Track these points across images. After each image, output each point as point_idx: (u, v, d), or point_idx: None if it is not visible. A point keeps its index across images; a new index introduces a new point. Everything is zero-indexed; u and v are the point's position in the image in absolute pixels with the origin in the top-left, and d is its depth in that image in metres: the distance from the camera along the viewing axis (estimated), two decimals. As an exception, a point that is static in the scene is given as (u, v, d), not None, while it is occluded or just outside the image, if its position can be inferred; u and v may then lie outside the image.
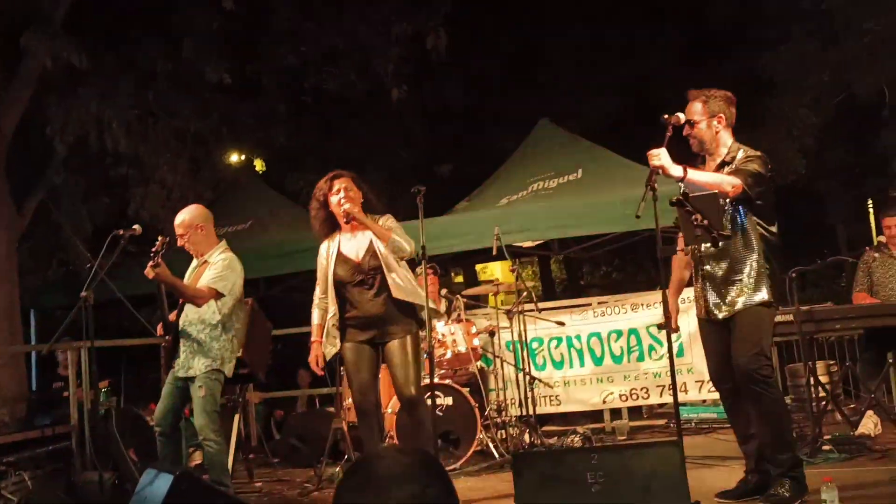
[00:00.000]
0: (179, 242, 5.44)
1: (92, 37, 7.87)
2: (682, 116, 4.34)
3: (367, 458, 4.00)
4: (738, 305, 4.36)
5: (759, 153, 4.39)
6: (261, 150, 15.95)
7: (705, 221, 4.04)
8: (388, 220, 5.14)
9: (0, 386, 7.75)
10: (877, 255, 6.59)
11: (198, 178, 9.55)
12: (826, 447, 5.56)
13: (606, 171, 8.55)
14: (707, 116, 4.45)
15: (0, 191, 7.91)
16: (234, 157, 15.12)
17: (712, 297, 4.47)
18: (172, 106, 8.70)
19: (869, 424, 6.09)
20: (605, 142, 9.54)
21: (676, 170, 4.16)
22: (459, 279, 21.50)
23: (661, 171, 4.16)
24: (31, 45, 7.19)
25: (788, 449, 4.34)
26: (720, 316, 4.43)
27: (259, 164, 17.11)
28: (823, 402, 6.36)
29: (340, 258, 5.13)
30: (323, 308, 5.20)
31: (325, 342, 5.14)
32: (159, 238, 5.20)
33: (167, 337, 5.34)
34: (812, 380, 6.22)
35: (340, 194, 5.05)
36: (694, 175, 4.22)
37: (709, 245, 4.36)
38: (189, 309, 5.34)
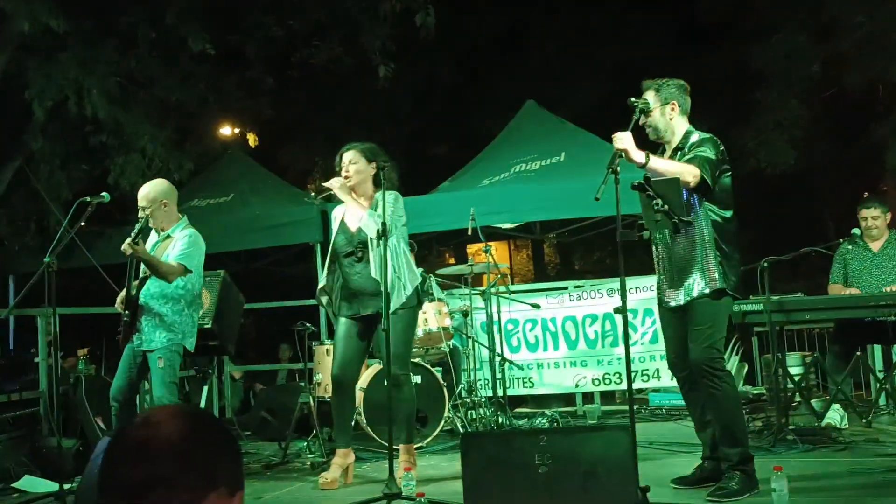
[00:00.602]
0: (140, 215, 5.39)
1: (72, 1, 7.79)
2: (649, 100, 4.31)
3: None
4: (693, 294, 4.34)
5: (709, 135, 4.37)
6: (252, 125, 15.93)
7: (666, 206, 4.01)
8: (389, 196, 4.93)
9: (-29, 350, 7.74)
10: (851, 247, 6.57)
11: (183, 149, 9.48)
12: (790, 437, 5.56)
13: (590, 156, 8.48)
14: (660, 104, 4.42)
15: (-24, 155, 7.87)
16: (227, 131, 15.11)
17: (666, 285, 4.46)
18: (155, 74, 8.62)
19: (835, 417, 6.09)
20: (590, 126, 9.48)
21: (639, 155, 4.14)
22: (452, 261, 21.53)
23: (623, 154, 4.13)
24: (8, 7, 7.12)
25: (739, 443, 4.33)
26: (673, 304, 4.43)
27: (252, 139, 17.10)
28: (790, 394, 6.36)
29: (342, 226, 5.17)
30: (329, 273, 5.26)
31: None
32: (141, 215, 5.19)
33: (126, 311, 5.31)
34: (781, 370, 6.21)
35: (343, 166, 5.10)
36: (656, 163, 4.20)
37: (665, 231, 4.35)
38: (151, 283, 5.32)
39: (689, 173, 4.16)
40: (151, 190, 5.45)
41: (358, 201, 5.05)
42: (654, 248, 4.56)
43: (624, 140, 4.12)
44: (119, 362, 5.41)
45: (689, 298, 4.35)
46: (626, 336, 4.13)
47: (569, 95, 13.62)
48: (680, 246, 4.38)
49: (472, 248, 19.95)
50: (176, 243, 5.35)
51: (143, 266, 5.35)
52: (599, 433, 3.89)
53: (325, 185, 5.04)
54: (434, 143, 17.28)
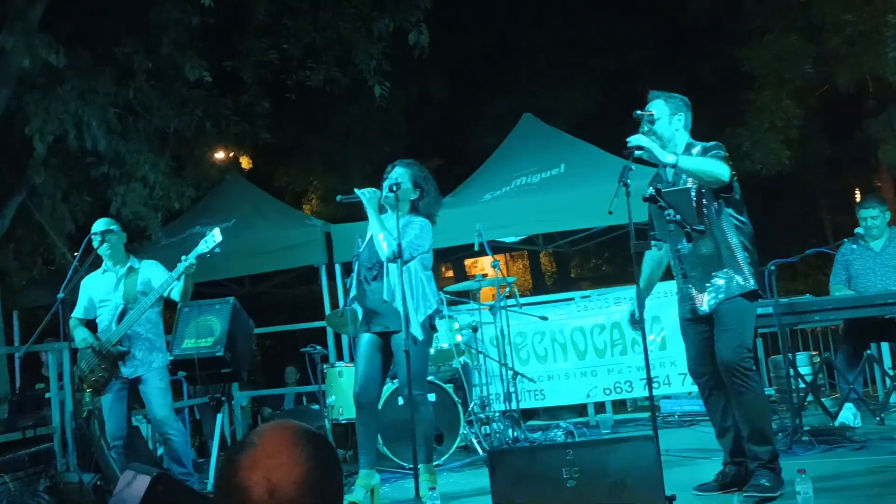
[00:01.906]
0: (100, 243, 5.54)
1: (69, 35, 7.82)
2: (654, 111, 4.34)
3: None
4: (722, 296, 4.37)
5: (717, 143, 4.40)
6: (246, 148, 15.96)
7: (678, 217, 4.05)
8: (413, 221, 5.00)
9: (-19, 387, 7.73)
10: (854, 247, 6.61)
11: (181, 176, 9.50)
12: (805, 438, 5.59)
13: (589, 166, 8.56)
14: (668, 114, 4.45)
15: (-21, 192, 7.89)
16: (220, 155, 15.13)
17: (696, 293, 4.46)
18: (152, 104, 8.65)
19: (848, 416, 6.12)
20: (586, 135, 9.56)
21: (668, 155, 4.14)
22: (450, 274, 21.57)
23: (649, 155, 4.13)
24: (8, 43, 7.15)
25: (768, 442, 4.37)
26: (705, 310, 4.43)
27: (245, 162, 17.12)
28: (804, 394, 6.39)
29: (370, 241, 5.11)
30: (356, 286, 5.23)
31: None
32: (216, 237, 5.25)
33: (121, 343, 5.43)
34: (792, 371, 6.25)
35: (389, 180, 4.98)
36: (686, 161, 4.19)
37: (684, 244, 4.38)
38: (134, 312, 5.47)
39: (721, 169, 4.16)
40: (108, 220, 5.72)
41: (378, 218, 4.94)
42: (673, 259, 4.58)
43: (646, 141, 4.13)
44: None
45: (720, 300, 4.37)
46: (645, 345, 4.16)
47: (562, 106, 13.70)
48: (706, 252, 4.39)
49: (469, 262, 20.03)
50: (151, 270, 5.59)
51: (116, 300, 5.50)
52: (626, 444, 3.91)
53: (357, 191, 4.93)
54: (428, 159, 17.34)
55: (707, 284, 4.41)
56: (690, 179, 4.33)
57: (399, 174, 5.05)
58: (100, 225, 5.61)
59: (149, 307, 5.42)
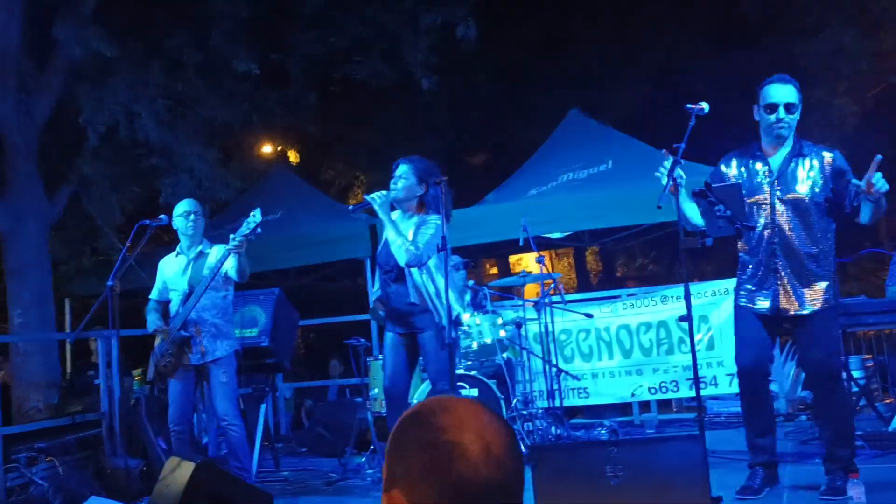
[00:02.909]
0: (188, 223, 5.56)
1: (121, 25, 7.93)
2: (705, 105, 4.24)
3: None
4: (819, 304, 4.32)
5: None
6: (292, 142, 16.09)
7: (728, 212, 3.96)
8: (427, 220, 4.92)
9: (32, 373, 7.87)
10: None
11: (228, 168, 9.59)
12: (859, 443, 5.44)
13: (637, 162, 8.43)
14: (799, 103, 4.35)
15: (32, 181, 8.03)
16: (268, 149, 15.27)
17: (788, 293, 4.36)
18: (201, 95, 8.73)
19: (903, 421, 5.96)
20: (635, 131, 9.43)
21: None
22: (494, 270, 21.52)
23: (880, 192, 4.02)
24: (61, 34, 7.27)
25: (850, 445, 4.38)
26: (801, 312, 4.35)
27: (293, 156, 17.26)
28: (856, 398, 6.23)
29: (385, 244, 5.04)
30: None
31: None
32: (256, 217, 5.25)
33: (185, 329, 5.42)
34: (845, 374, 6.09)
35: (393, 181, 4.98)
36: (882, 200, 4.10)
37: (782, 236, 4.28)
38: (203, 297, 5.40)
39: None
40: (195, 201, 5.72)
41: (392, 222, 4.86)
42: (757, 250, 4.44)
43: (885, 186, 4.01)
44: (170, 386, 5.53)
45: (823, 306, 4.32)
46: (693, 343, 4.08)
47: (610, 101, 13.54)
48: (809, 253, 4.33)
49: (513, 259, 19.96)
50: (216, 254, 5.50)
51: (183, 284, 5.49)
52: (671, 443, 3.84)
53: (367, 197, 4.90)
54: (473, 154, 17.30)
55: (805, 287, 4.33)
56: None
57: (403, 171, 4.97)
58: (186, 205, 5.62)
59: (205, 290, 5.37)
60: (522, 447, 6.28)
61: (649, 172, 7.85)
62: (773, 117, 4.33)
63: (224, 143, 9.82)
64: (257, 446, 6.71)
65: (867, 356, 7.72)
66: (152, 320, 5.59)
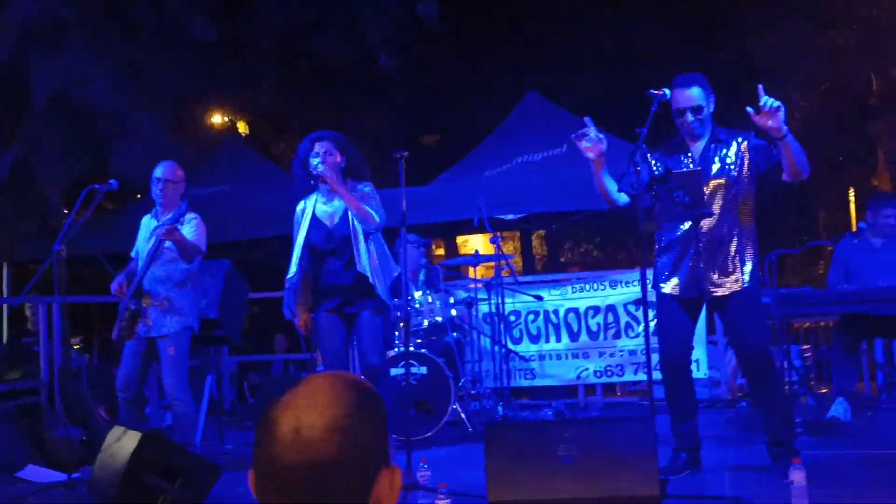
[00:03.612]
0: (160, 191, 5.36)
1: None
2: (667, 91, 4.29)
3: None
4: (745, 283, 4.40)
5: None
6: (245, 114, 15.85)
7: (686, 199, 4.01)
8: (365, 188, 5.01)
9: (-31, 339, 7.68)
10: (855, 241, 6.58)
11: (181, 137, 9.43)
12: (798, 430, 5.58)
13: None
14: (707, 100, 4.44)
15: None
16: (219, 119, 15.02)
17: (711, 275, 4.43)
18: (157, 62, 8.56)
19: (839, 410, 6.12)
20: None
21: (784, 125, 4.07)
22: (441, 251, 21.51)
23: (773, 117, 4.03)
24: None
25: (792, 425, 4.51)
26: (718, 294, 4.43)
27: (242, 127, 17.01)
28: (796, 386, 6.39)
29: (315, 222, 5.04)
30: (302, 269, 5.15)
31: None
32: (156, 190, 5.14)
33: (136, 300, 5.26)
34: (787, 363, 6.24)
35: (318, 156, 4.92)
36: (793, 141, 4.14)
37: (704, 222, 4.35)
38: (156, 268, 5.27)
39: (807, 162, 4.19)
40: (178, 169, 5.45)
41: (345, 193, 4.87)
42: (679, 237, 4.51)
43: (781, 105, 4.03)
44: (121, 353, 5.38)
45: (741, 287, 4.39)
46: (647, 328, 4.14)
47: (568, 86, 13.60)
48: (728, 235, 4.40)
49: (460, 239, 19.97)
50: (186, 225, 5.29)
51: (148, 246, 5.31)
52: (623, 424, 3.89)
53: (323, 174, 4.82)
54: (431, 133, 17.23)
55: (725, 268, 4.41)
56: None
57: (327, 147, 4.94)
58: (157, 170, 5.38)
59: (148, 263, 5.23)
60: (469, 426, 6.35)
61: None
62: (681, 121, 4.46)
63: (178, 112, 9.64)
64: (202, 420, 6.63)
65: (806, 346, 7.94)
66: (115, 282, 5.37)
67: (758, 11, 12.14)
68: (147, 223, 5.51)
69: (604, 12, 14.13)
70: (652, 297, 4.66)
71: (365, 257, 4.89)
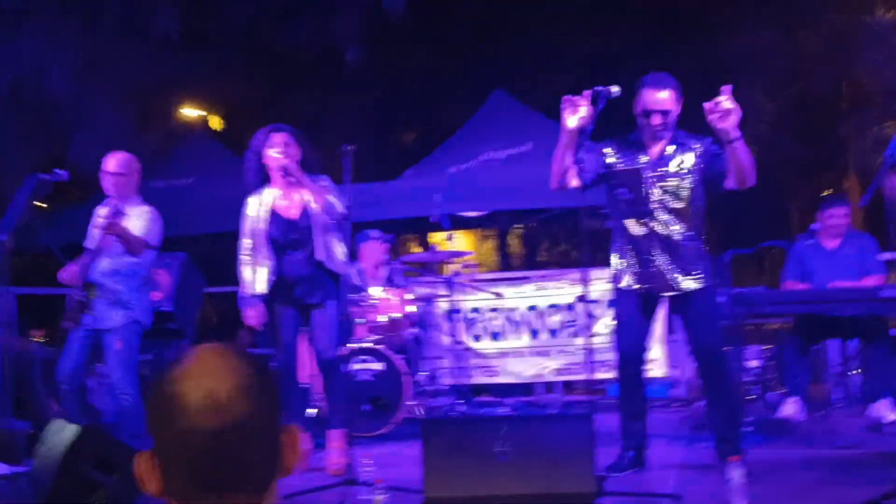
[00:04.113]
0: (109, 183, 5.28)
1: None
2: (613, 89, 4.26)
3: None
4: (703, 281, 4.43)
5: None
6: (219, 108, 15.74)
7: (630, 195, 4.02)
8: (324, 182, 5.03)
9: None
10: (809, 242, 6.62)
11: (145, 129, 9.35)
12: (750, 429, 5.61)
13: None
14: (676, 104, 4.42)
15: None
16: (189, 112, 14.90)
17: (668, 272, 4.44)
18: (119, 53, 8.47)
19: (791, 409, 6.14)
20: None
21: (737, 131, 4.08)
22: (418, 249, 21.46)
23: (725, 119, 4.03)
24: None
25: (738, 424, 4.59)
26: (682, 287, 4.45)
27: (215, 122, 16.89)
28: (748, 386, 6.42)
29: (274, 215, 5.03)
30: (252, 264, 5.11)
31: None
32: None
33: (84, 291, 5.19)
34: (745, 365, 6.27)
35: (278, 148, 4.91)
36: (742, 146, 4.15)
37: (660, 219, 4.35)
38: (104, 260, 5.21)
39: (755, 170, 4.22)
40: (131, 160, 5.36)
41: (310, 184, 4.91)
42: (634, 234, 4.51)
43: (737, 109, 4.04)
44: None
45: (701, 284, 4.42)
46: (590, 326, 4.13)
47: (539, 85, 13.58)
48: (683, 234, 4.42)
49: (434, 237, 19.98)
50: (132, 218, 5.23)
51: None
52: (561, 422, 3.89)
53: (288, 165, 4.85)
54: (402, 131, 17.18)
55: (682, 267, 4.43)
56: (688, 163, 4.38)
57: (286, 139, 4.95)
58: (110, 165, 5.31)
59: (95, 255, 5.16)
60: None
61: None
62: (646, 123, 4.43)
63: (143, 105, 9.55)
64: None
65: (764, 347, 7.97)
66: (63, 271, 5.30)
67: (727, 14, 12.18)
68: (98, 212, 5.43)
69: (577, 12, 14.14)
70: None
71: (324, 249, 4.91)
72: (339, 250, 5.03)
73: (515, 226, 11.95)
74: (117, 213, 5.01)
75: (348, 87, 13.31)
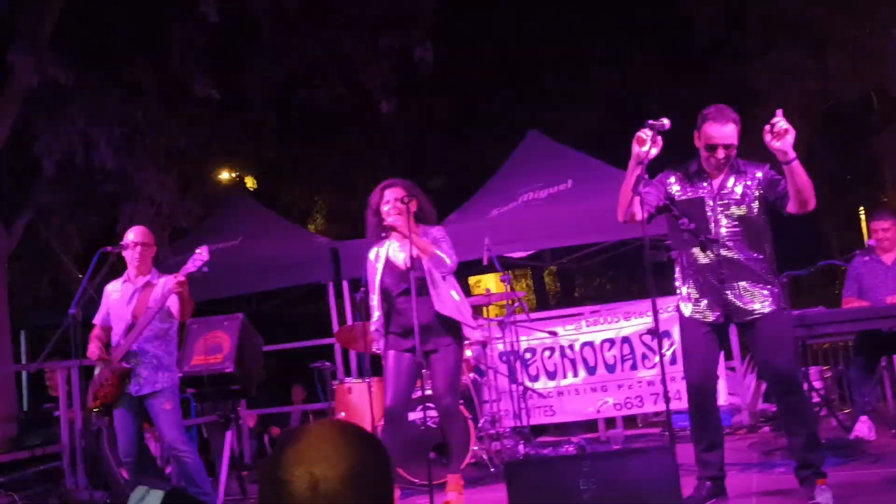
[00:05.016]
0: (134, 254, 5.42)
1: (78, 53, 7.86)
2: (665, 121, 4.30)
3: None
4: (766, 308, 4.40)
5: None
6: (251, 167, 16.03)
7: (692, 226, 4.04)
8: (437, 233, 5.15)
9: (-10, 407, 7.71)
10: (866, 259, 6.59)
11: (187, 194, 9.53)
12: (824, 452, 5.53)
13: (596, 181, 8.55)
14: (738, 137, 4.42)
15: (-12, 210, 7.91)
16: (225, 175, 15.18)
17: (736, 300, 4.43)
18: (160, 122, 8.69)
19: (863, 429, 6.07)
20: (591, 152, 9.57)
21: (792, 152, 4.11)
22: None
23: (781, 142, 4.07)
24: (16, 61, 7.18)
25: (820, 450, 4.45)
26: (744, 319, 4.43)
27: (250, 181, 17.18)
28: (818, 408, 6.35)
29: (388, 265, 5.16)
30: (377, 315, 5.23)
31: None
32: (202, 255, 5.23)
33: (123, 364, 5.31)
34: (806, 385, 6.20)
35: (388, 205, 5.05)
36: (799, 167, 4.16)
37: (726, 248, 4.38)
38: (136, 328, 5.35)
39: (814, 193, 4.23)
40: (142, 231, 5.55)
41: (416, 239, 5.01)
42: (702, 264, 4.51)
43: (792, 130, 4.08)
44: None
45: (766, 313, 4.39)
46: (661, 357, 4.14)
47: (566, 122, 13.71)
48: (751, 260, 4.41)
49: (472, 280, 20.00)
50: (164, 286, 5.36)
51: (127, 314, 5.37)
52: (643, 455, 3.88)
53: (394, 223, 4.99)
54: (430, 177, 17.37)
55: (751, 293, 4.41)
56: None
57: (397, 194, 5.07)
58: (132, 234, 5.47)
59: (147, 324, 5.30)
60: (491, 466, 6.32)
61: (608, 191, 8.01)
62: (709, 156, 4.44)
63: (183, 169, 9.75)
64: (224, 474, 6.62)
65: (826, 367, 7.89)
66: (94, 348, 5.46)
67: (750, 37, 12.24)
68: (117, 289, 5.54)
69: (598, 48, 14.29)
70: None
71: (441, 299, 5.00)
72: (455, 298, 5.10)
73: (553, 263, 11.94)
74: (186, 273, 5.12)
75: (378, 137, 13.52)
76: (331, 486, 1.25)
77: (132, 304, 5.38)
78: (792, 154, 4.10)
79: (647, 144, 4.18)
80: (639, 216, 4.33)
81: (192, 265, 5.16)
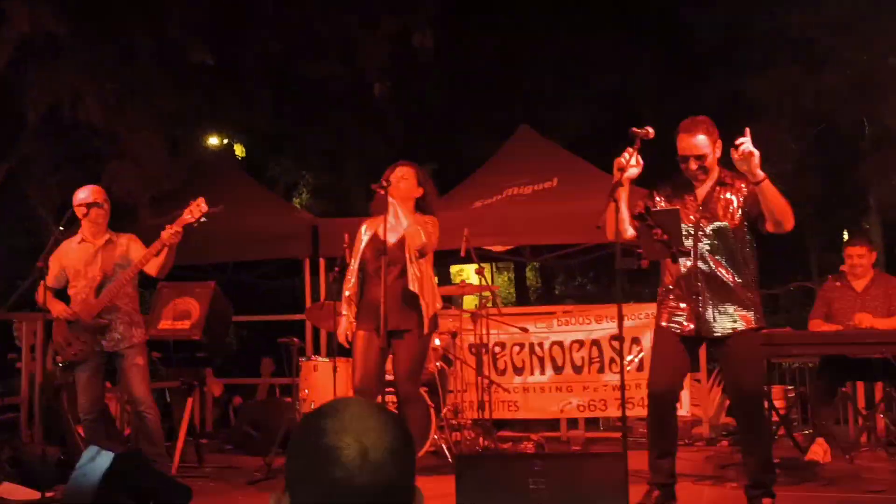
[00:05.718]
0: (92, 214, 5.39)
1: (74, 5, 7.78)
2: (650, 130, 4.31)
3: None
4: (742, 326, 4.40)
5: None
6: (241, 136, 15.94)
7: (665, 236, 4.05)
8: (427, 225, 5.10)
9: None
10: (838, 283, 6.63)
11: (174, 157, 9.47)
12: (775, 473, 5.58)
13: (582, 182, 8.56)
14: (713, 147, 4.42)
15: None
16: (214, 141, 15.09)
17: (709, 315, 4.42)
18: (152, 83, 8.61)
19: (819, 451, 6.12)
20: (582, 152, 9.58)
21: (760, 172, 4.12)
22: (434, 280, 21.49)
23: (747, 163, 4.08)
24: (10, 8, 7.11)
25: (772, 471, 4.49)
26: (717, 334, 4.43)
27: (239, 150, 17.07)
28: (775, 426, 6.39)
29: (373, 239, 5.16)
30: (352, 282, 5.22)
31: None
32: (200, 206, 5.17)
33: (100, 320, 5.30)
34: (767, 403, 6.25)
35: (395, 178, 5.09)
36: (770, 187, 4.17)
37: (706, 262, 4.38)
38: (111, 285, 5.35)
39: (791, 214, 4.22)
40: (99, 189, 5.51)
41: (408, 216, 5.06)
42: (683, 275, 4.52)
43: (756, 152, 4.08)
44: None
45: (740, 329, 4.40)
46: (622, 363, 4.16)
47: (559, 120, 13.71)
48: (729, 277, 4.41)
49: (455, 269, 20.02)
50: (129, 244, 5.44)
51: (92, 272, 5.36)
52: (595, 459, 3.90)
53: (388, 189, 4.99)
54: (422, 162, 17.32)
55: (726, 309, 4.41)
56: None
57: (404, 172, 5.14)
58: (87, 195, 5.42)
59: (130, 280, 5.31)
60: (449, 456, 6.33)
61: (593, 192, 8.04)
62: (684, 167, 4.46)
63: (173, 132, 9.68)
64: (182, 440, 6.61)
65: (790, 387, 7.95)
66: (61, 306, 5.40)
67: (749, 52, 12.27)
68: (74, 249, 5.50)
69: (598, 49, 14.27)
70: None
71: (416, 279, 5.01)
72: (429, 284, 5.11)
73: (533, 260, 11.97)
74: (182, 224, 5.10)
75: (371, 119, 13.47)
76: (379, 456, 1.31)
77: (97, 262, 5.34)
78: (760, 175, 4.12)
79: (626, 169, 4.21)
80: (628, 235, 4.37)
81: (189, 215, 5.13)
